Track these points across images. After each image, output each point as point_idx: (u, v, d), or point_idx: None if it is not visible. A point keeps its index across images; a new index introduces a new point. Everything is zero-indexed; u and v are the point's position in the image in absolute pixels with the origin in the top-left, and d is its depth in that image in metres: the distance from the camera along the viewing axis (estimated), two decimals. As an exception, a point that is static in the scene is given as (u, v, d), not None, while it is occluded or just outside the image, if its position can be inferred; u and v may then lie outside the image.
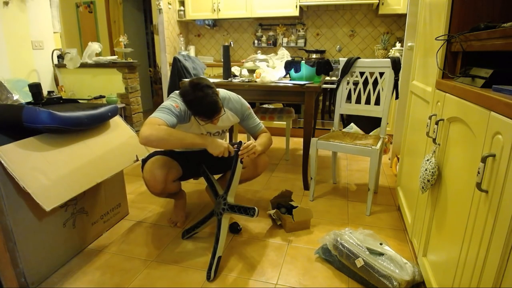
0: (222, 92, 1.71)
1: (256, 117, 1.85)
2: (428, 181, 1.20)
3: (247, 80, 2.43)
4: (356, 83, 2.33)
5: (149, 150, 1.85)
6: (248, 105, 1.81)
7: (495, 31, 0.92)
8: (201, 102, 1.48)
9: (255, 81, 2.35)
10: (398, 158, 2.40)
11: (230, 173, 1.60)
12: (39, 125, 1.40)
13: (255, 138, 1.84)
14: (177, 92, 1.66)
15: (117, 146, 1.77)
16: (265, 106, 3.27)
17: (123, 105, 3.33)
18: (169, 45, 4.29)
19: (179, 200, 1.96)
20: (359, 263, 1.40)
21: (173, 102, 1.60)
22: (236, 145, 1.58)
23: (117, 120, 1.87)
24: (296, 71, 2.41)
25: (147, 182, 1.68)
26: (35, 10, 3.05)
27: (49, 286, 1.43)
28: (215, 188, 1.72)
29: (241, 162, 1.59)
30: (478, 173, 0.82)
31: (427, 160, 1.23)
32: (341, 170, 2.80)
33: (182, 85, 2.49)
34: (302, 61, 2.39)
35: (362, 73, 2.30)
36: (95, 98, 3.23)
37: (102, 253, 1.65)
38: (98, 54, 3.42)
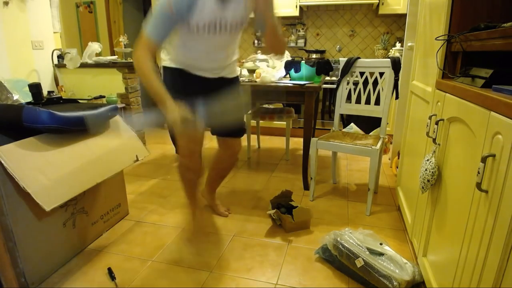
0: None
1: None
2: (428, 181, 1.20)
3: (247, 80, 2.43)
4: (356, 83, 2.33)
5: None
6: None
7: (495, 31, 0.93)
8: None
9: (255, 81, 2.35)
10: (398, 155, 2.40)
11: None
12: (39, 125, 1.40)
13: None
14: None
15: (117, 146, 1.77)
16: (265, 106, 3.27)
17: (123, 105, 3.32)
18: (169, 45, 4.28)
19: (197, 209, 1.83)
20: (359, 263, 1.40)
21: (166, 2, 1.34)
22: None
23: (117, 120, 1.88)
24: (296, 71, 2.41)
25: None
26: (35, 10, 3.04)
27: (49, 286, 1.43)
28: None
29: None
30: (478, 173, 0.82)
31: (427, 160, 1.23)
32: (341, 170, 2.80)
33: None
34: (302, 61, 2.39)
35: (362, 73, 2.30)
36: (95, 98, 3.22)
37: (102, 253, 1.65)
38: (98, 54, 3.41)
